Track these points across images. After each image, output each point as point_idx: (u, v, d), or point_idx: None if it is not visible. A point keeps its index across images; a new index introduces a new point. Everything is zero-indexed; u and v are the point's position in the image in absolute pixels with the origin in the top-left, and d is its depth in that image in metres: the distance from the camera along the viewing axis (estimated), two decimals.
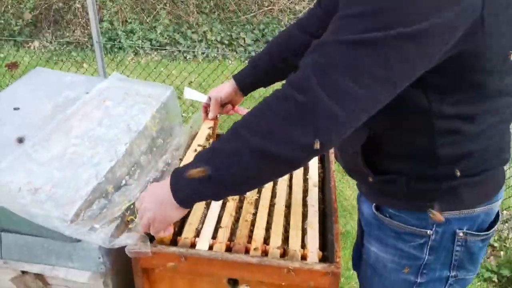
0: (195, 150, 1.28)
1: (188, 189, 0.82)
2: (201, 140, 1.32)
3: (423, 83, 0.76)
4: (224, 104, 1.30)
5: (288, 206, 1.24)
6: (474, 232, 0.95)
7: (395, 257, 1.00)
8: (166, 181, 0.86)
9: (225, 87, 1.26)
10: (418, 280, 0.98)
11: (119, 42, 4.80)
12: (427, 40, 0.66)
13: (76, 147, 1.19)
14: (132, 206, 1.11)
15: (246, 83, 1.24)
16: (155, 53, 4.97)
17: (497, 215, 1.00)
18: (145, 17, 5.16)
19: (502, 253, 2.50)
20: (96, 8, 2.84)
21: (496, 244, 2.53)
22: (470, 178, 0.89)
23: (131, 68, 4.45)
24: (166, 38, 5.08)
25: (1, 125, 1.25)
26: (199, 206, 1.21)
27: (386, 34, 0.65)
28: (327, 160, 1.44)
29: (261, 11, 5.45)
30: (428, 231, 0.94)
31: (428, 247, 0.95)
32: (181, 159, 1.35)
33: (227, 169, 0.78)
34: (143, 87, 1.48)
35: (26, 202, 1.02)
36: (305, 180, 1.35)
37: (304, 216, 1.20)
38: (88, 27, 4.92)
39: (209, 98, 1.28)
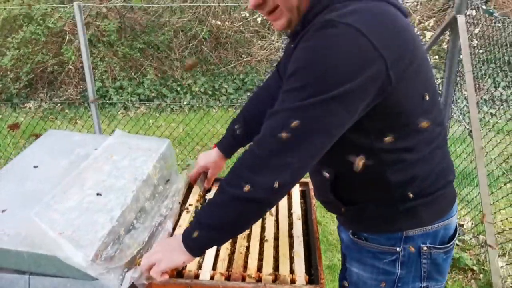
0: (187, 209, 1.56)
1: (194, 243, 1.09)
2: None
3: (362, 128, 0.98)
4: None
5: (276, 238, 1.43)
6: (436, 246, 1.11)
7: (373, 274, 1.16)
8: (178, 236, 1.13)
9: (212, 157, 1.51)
10: None
11: (110, 99, 5.06)
12: (346, 100, 0.89)
13: (91, 197, 1.37)
14: (141, 250, 1.29)
15: (228, 151, 1.50)
16: (143, 106, 5.23)
17: (455, 228, 1.17)
18: (133, 74, 5.47)
19: (481, 275, 2.69)
20: (92, 71, 3.10)
21: (475, 268, 2.72)
22: (424, 199, 1.06)
23: (123, 122, 4.68)
24: (153, 92, 5.37)
25: (24, 181, 1.43)
26: None
27: (314, 100, 0.88)
28: (308, 196, 1.65)
29: (239, 62, 5.82)
30: (397, 248, 1.10)
31: (399, 262, 1.11)
32: (179, 203, 1.55)
33: (216, 223, 1.04)
34: (143, 142, 1.69)
35: (52, 245, 1.18)
36: (290, 215, 1.55)
37: (291, 246, 1.39)
38: (80, 86, 5.18)
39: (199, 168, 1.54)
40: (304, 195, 1.69)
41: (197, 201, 1.62)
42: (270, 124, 0.96)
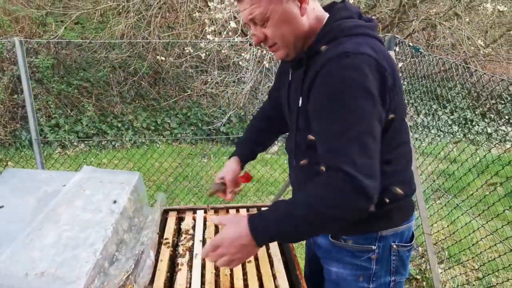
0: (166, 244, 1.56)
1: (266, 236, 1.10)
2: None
3: None
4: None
5: (256, 259, 1.49)
6: (403, 244, 1.28)
7: (352, 271, 1.29)
8: (243, 230, 1.09)
9: (232, 167, 1.50)
10: (370, 286, 1.28)
11: (45, 137, 4.81)
12: (377, 112, 1.05)
13: (69, 232, 1.34)
14: (130, 276, 1.28)
15: (247, 157, 1.55)
16: (83, 144, 5.04)
17: (413, 232, 1.35)
18: (70, 111, 5.27)
19: (424, 283, 2.93)
20: (34, 109, 2.98)
21: (418, 276, 2.96)
22: (396, 203, 1.21)
23: (61, 161, 4.46)
24: (92, 129, 5.21)
25: None
26: (183, 270, 1.42)
27: (361, 116, 1.04)
28: None
29: (181, 97, 5.87)
30: (373, 247, 1.25)
31: (374, 259, 1.26)
32: (158, 233, 1.56)
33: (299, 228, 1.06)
34: (114, 175, 1.68)
35: (36, 286, 1.14)
36: None
37: (271, 264, 1.47)
38: (10, 126, 4.87)
39: (222, 183, 1.49)
40: None
41: (173, 235, 1.64)
42: (338, 152, 1.04)
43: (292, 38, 1.15)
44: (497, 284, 2.76)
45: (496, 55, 6.93)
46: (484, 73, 2.60)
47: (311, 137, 1.18)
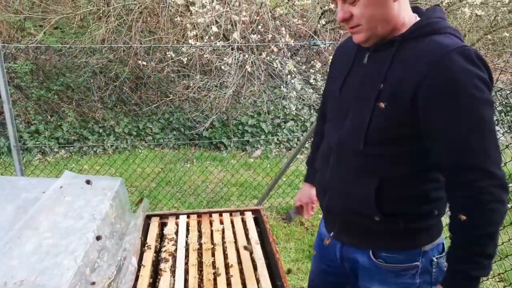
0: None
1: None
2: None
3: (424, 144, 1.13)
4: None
5: (240, 263, 1.50)
6: (440, 256, 1.27)
7: None
8: None
9: (308, 192, 1.59)
10: None
11: (24, 144, 4.72)
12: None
13: (49, 240, 1.32)
14: (112, 283, 1.27)
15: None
16: (63, 150, 4.96)
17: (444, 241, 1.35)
18: (50, 117, 5.18)
19: None
20: (13, 115, 2.92)
21: None
22: (438, 217, 1.24)
23: (41, 167, 4.38)
24: (73, 135, 5.13)
25: None
26: (165, 275, 1.41)
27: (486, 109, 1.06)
28: (261, 221, 1.75)
29: (163, 101, 5.83)
30: (417, 263, 1.24)
31: (418, 274, 1.25)
32: (141, 238, 1.55)
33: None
34: (95, 181, 1.67)
35: None
36: (248, 241, 1.63)
37: (255, 268, 1.47)
38: None
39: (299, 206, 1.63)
40: (257, 221, 1.79)
41: (156, 240, 1.63)
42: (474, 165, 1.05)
43: (379, 22, 1.11)
44: None
45: None
46: None
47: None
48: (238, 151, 5.37)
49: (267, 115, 5.49)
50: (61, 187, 1.60)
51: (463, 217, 1.07)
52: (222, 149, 5.36)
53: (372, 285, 1.31)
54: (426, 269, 1.26)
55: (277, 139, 5.45)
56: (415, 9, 1.21)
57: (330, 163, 1.30)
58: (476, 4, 4.66)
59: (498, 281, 2.68)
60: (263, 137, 5.45)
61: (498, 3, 4.54)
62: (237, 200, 3.89)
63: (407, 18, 1.15)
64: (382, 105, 1.13)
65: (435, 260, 1.26)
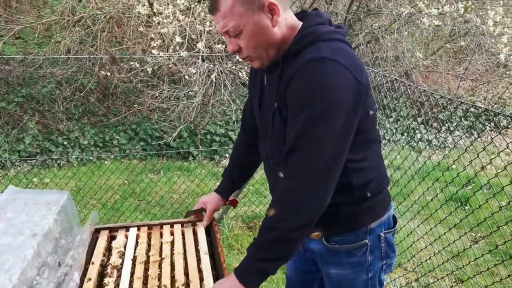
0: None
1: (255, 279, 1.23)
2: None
3: None
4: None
5: (186, 274, 1.49)
6: (388, 230, 1.40)
7: (352, 269, 1.38)
8: (232, 278, 1.23)
9: (215, 200, 1.71)
10: (369, 275, 1.38)
11: None
12: (351, 122, 1.14)
13: None
14: None
15: (226, 193, 1.72)
16: (25, 164, 4.83)
17: (393, 216, 1.46)
18: (11, 130, 5.04)
19: None
20: None
21: None
22: (377, 196, 1.35)
23: (2, 182, 4.24)
24: (36, 147, 5.00)
25: None
26: (110, 281, 1.40)
27: (329, 123, 1.13)
28: (213, 231, 1.75)
29: (130, 112, 5.77)
30: (366, 241, 1.35)
31: (368, 251, 1.36)
32: (85, 253, 1.53)
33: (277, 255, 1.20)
34: (41, 195, 1.63)
35: None
36: (197, 250, 1.63)
37: (201, 280, 1.47)
38: None
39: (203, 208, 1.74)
40: (208, 231, 1.79)
41: (103, 254, 1.60)
42: (298, 158, 1.13)
43: (264, 49, 1.22)
44: (433, 283, 2.90)
45: (436, 66, 7.35)
46: (416, 87, 2.79)
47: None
48: (206, 161, 5.35)
49: (235, 124, 5.50)
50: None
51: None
52: (190, 159, 5.34)
53: (329, 269, 1.44)
54: (375, 245, 1.38)
55: None
56: (303, 14, 1.29)
57: (268, 172, 1.45)
58: (434, 15, 4.83)
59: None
60: (231, 146, 5.45)
61: (455, 13, 4.75)
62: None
63: (292, 31, 1.23)
64: (276, 125, 1.27)
65: (383, 235, 1.38)
